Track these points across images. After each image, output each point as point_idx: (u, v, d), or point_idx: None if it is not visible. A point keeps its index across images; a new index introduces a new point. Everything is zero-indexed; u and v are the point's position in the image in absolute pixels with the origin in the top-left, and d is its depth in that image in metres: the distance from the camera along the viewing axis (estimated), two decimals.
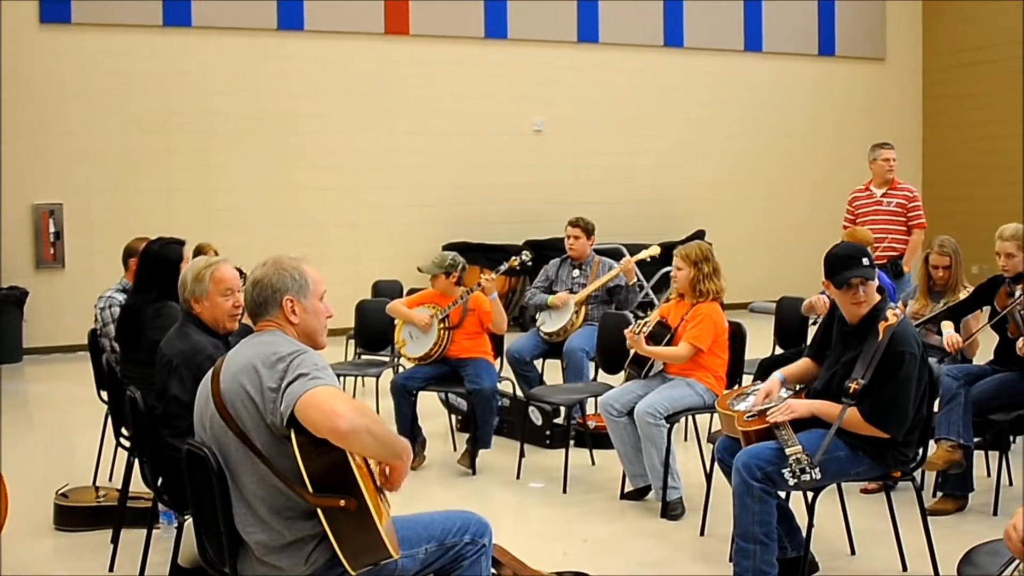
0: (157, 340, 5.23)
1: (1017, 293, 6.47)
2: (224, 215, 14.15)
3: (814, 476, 4.55)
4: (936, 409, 6.27)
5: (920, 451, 5.16)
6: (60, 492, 6.57)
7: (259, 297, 3.78)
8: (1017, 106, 16.66)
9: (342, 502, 3.40)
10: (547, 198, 15.42)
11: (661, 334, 6.70)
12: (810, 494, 5.09)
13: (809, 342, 5.56)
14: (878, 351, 4.80)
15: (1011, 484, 6.89)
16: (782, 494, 5.11)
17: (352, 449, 3.42)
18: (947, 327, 6.90)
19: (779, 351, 8.56)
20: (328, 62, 14.69)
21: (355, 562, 3.45)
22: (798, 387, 5.36)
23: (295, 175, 14.62)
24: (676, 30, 16.63)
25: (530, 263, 8.46)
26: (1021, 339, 6.32)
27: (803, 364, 5.45)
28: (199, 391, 3.79)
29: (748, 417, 5.13)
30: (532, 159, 15.85)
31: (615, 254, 13.33)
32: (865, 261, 5.04)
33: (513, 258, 8.31)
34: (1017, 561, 2.87)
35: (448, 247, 14.94)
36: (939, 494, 6.52)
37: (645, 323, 6.76)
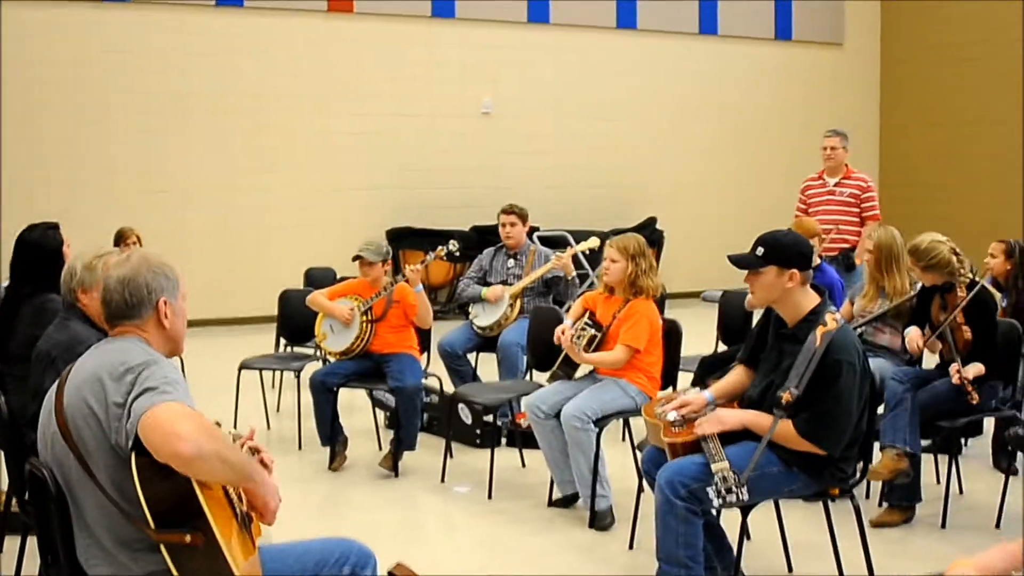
0: (39, 337, 4.84)
1: (947, 313, 6.07)
2: (161, 197, 13.63)
3: (741, 496, 4.14)
4: (880, 413, 5.95)
5: (860, 466, 4.77)
6: None
7: (132, 298, 3.33)
8: (978, 91, 16.35)
9: (187, 537, 2.97)
10: (495, 182, 14.96)
11: (593, 335, 6.28)
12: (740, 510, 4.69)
13: (744, 345, 5.14)
14: (814, 359, 4.39)
15: (961, 492, 6.56)
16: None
17: (199, 476, 2.98)
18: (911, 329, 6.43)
19: (722, 348, 8.19)
20: (268, 40, 14.15)
21: None
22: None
23: (235, 157, 14.09)
24: (629, 11, 16.16)
25: (457, 252, 8.00)
26: (953, 365, 5.92)
27: (735, 376, 4.99)
28: (44, 403, 3.34)
29: (675, 427, 4.73)
30: (480, 142, 15.38)
31: (560, 241, 12.97)
32: (759, 250, 4.64)
33: (440, 247, 7.83)
34: None
35: (392, 232, 14.52)
36: (885, 504, 6.15)
37: (582, 330, 6.33)
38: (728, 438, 4.53)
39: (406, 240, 14.23)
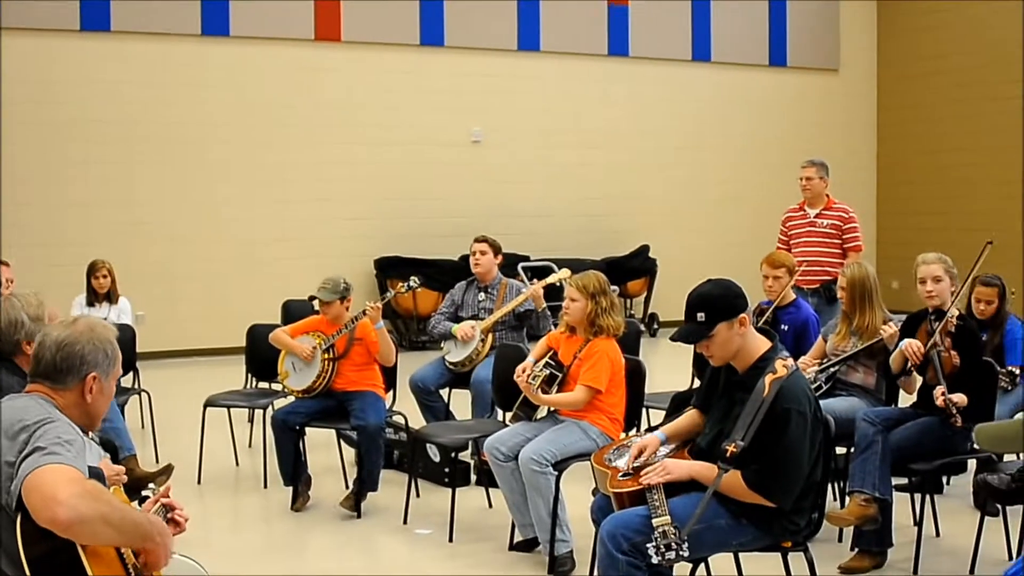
0: None
1: (936, 335, 5.87)
2: (145, 228, 13.50)
3: (681, 553, 3.95)
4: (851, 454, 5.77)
5: (815, 517, 4.56)
6: None
7: (63, 363, 3.26)
8: (977, 117, 16.18)
9: None
10: (486, 211, 14.78)
11: (552, 374, 6.10)
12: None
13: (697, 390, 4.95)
14: (762, 408, 4.20)
15: (938, 535, 6.35)
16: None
17: (80, 540, 2.86)
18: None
19: (698, 383, 7.98)
20: (254, 69, 14.05)
21: None
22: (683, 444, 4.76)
23: (219, 187, 13.96)
24: (621, 38, 16.05)
25: (418, 288, 7.84)
26: (938, 388, 5.73)
27: (689, 418, 4.80)
28: None
29: (621, 476, 4.54)
30: (470, 171, 15.25)
31: (546, 271, 12.80)
32: (700, 316, 4.38)
33: (400, 284, 7.67)
34: None
35: (380, 261, 14.38)
36: (856, 549, 5.92)
37: (541, 369, 6.14)
38: (678, 489, 4.35)
39: (394, 270, 14.11)
